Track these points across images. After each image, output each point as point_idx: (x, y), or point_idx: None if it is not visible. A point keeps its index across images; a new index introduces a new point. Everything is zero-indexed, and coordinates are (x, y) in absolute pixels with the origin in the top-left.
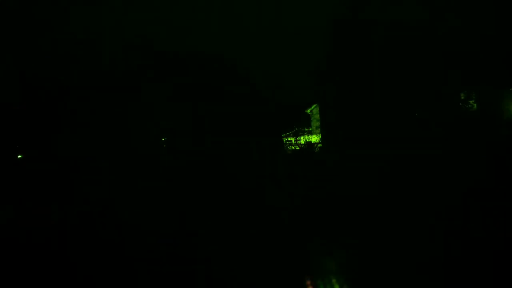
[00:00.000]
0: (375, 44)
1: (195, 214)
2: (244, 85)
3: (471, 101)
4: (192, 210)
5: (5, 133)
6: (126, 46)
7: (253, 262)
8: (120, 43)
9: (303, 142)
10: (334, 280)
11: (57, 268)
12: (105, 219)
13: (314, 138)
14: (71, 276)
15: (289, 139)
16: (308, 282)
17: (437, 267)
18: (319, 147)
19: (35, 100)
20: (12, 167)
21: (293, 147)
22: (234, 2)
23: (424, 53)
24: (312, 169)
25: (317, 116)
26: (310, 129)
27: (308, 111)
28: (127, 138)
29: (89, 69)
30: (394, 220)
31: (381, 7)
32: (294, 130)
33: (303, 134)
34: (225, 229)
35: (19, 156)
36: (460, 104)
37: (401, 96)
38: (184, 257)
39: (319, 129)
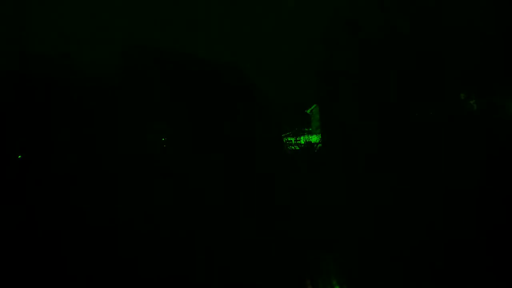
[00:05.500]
0: (375, 45)
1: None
2: (245, 87)
3: (471, 101)
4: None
5: (5, 133)
6: (129, 47)
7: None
8: (125, 44)
9: (303, 142)
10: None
11: (58, 267)
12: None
13: (314, 138)
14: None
15: (289, 139)
16: (308, 282)
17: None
18: (319, 147)
19: (34, 101)
20: (12, 167)
21: (293, 147)
22: (236, 6)
23: (424, 54)
24: (312, 168)
25: (317, 116)
26: (310, 129)
27: (308, 111)
28: (129, 139)
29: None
30: (392, 217)
31: (379, 9)
32: (294, 130)
33: (303, 134)
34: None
35: (19, 156)
36: (460, 104)
37: (401, 96)
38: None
39: (319, 129)
